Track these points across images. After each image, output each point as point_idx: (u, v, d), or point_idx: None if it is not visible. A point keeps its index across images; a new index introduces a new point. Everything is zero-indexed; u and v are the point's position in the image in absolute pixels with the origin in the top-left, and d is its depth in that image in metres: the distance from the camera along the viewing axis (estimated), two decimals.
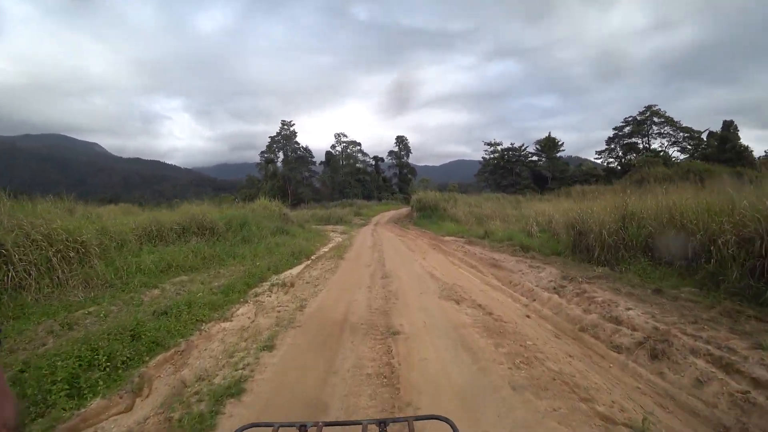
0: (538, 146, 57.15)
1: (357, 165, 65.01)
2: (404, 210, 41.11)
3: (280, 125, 60.83)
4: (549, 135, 55.86)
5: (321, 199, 56.18)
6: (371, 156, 68.18)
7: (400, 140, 71.00)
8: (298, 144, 61.37)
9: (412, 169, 72.25)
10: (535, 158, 57.50)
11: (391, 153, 70.71)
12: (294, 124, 61.43)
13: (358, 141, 65.94)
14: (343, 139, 64.72)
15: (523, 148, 58.24)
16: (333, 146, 64.49)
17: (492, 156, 60.80)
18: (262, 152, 61.82)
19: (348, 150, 65.39)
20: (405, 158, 71.43)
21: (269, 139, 60.84)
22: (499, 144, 60.15)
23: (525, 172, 56.44)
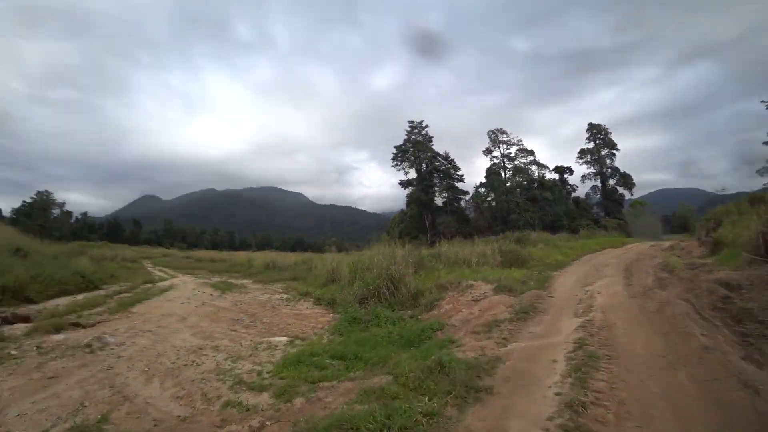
0: None
1: (532, 179, 42.72)
2: (660, 250, 17.48)
3: (408, 128, 44.88)
4: None
5: (473, 233, 36.96)
6: (551, 168, 44.80)
7: (595, 131, 45.06)
8: (436, 153, 43.91)
9: (625, 177, 44.21)
10: None
11: (582, 153, 45.39)
12: (427, 126, 44.62)
13: (529, 148, 43.83)
14: (503, 138, 43.69)
15: None
16: (487, 151, 44.22)
17: None
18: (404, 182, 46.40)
19: (516, 161, 43.75)
20: (608, 160, 44.69)
21: (394, 151, 45.51)
22: None
23: None
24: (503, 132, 43.28)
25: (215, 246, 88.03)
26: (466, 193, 44.20)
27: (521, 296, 8.18)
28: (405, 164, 45.13)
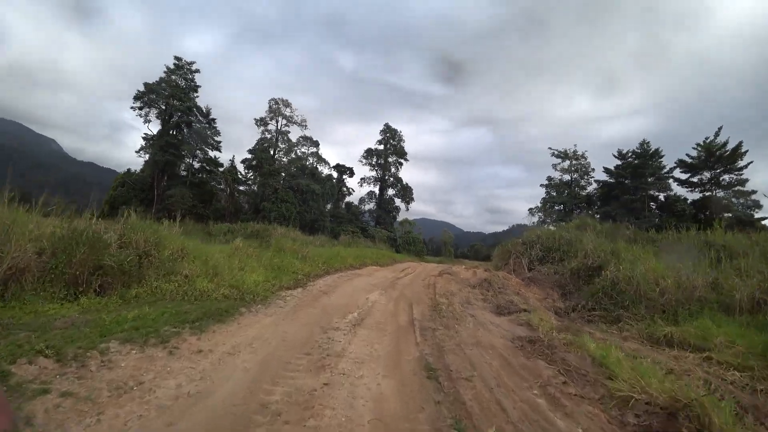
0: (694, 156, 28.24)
1: (304, 163, 35.54)
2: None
3: (172, 65, 31.49)
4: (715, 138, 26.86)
5: (213, 216, 27.03)
6: (332, 165, 39.14)
7: (390, 134, 41.93)
8: (195, 105, 31.59)
9: (406, 189, 41.76)
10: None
11: (368, 153, 41.44)
12: (198, 71, 32.20)
13: (315, 139, 36.92)
14: (286, 111, 35.25)
15: (659, 157, 29.79)
16: (262, 122, 34.99)
17: (572, 176, 32.57)
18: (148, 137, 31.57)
19: (296, 148, 36.05)
20: (394, 170, 41.37)
21: (142, 89, 30.81)
22: (581, 156, 32.21)
23: (681, 203, 28.36)
24: (288, 104, 34.72)
25: None
26: (222, 166, 33.31)
27: None
28: (151, 111, 31.05)
